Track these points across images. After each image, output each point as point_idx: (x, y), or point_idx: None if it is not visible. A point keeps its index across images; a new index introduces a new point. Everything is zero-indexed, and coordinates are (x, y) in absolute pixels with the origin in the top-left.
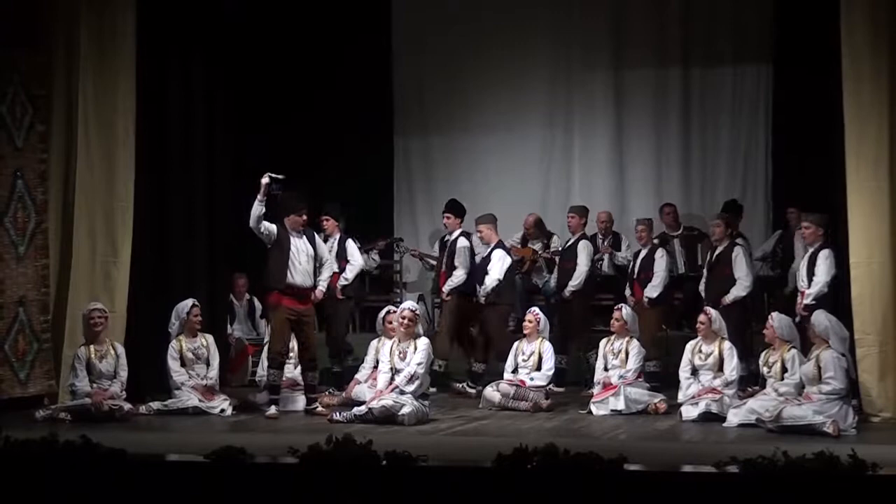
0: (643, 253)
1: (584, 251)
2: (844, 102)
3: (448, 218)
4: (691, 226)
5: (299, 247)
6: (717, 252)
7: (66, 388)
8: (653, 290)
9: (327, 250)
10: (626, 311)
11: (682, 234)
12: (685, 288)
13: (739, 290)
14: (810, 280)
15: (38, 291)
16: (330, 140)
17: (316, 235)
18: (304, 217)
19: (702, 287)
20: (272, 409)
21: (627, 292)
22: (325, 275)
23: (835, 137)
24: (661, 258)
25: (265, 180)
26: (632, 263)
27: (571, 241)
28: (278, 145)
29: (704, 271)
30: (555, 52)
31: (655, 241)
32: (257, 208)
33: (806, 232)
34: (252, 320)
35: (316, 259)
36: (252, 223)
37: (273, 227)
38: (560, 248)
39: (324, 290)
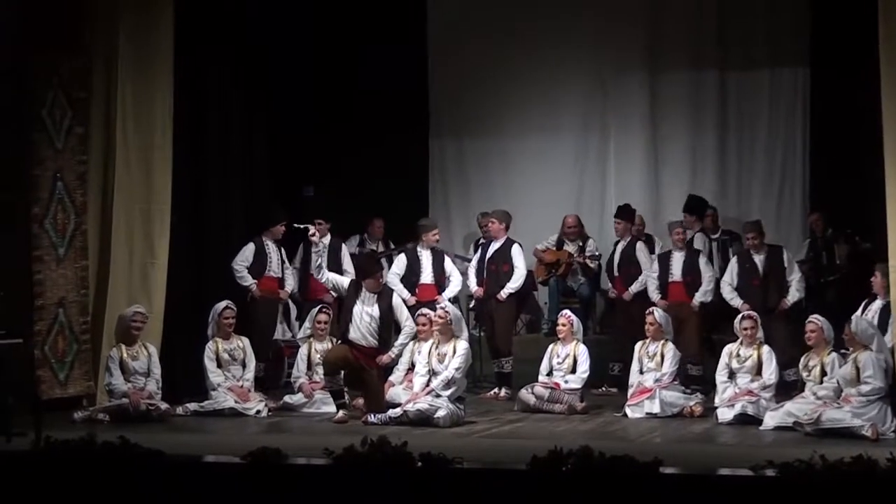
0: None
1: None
2: (882, 105)
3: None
4: (729, 230)
5: (364, 307)
6: (761, 259)
7: (104, 388)
8: (706, 295)
9: (405, 318)
10: (658, 314)
11: (720, 237)
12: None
13: (801, 292)
14: None
15: (77, 293)
16: (365, 143)
17: (395, 299)
18: (381, 279)
19: (728, 293)
20: (340, 413)
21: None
22: (400, 341)
23: (873, 141)
24: (705, 263)
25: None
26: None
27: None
28: (314, 148)
29: (730, 278)
30: (590, 54)
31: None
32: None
33: (875, 283)
34: (288, 322)
35: (382, 322)
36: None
37: (342, 282)
38: (596, 252)
39: (394, 355)
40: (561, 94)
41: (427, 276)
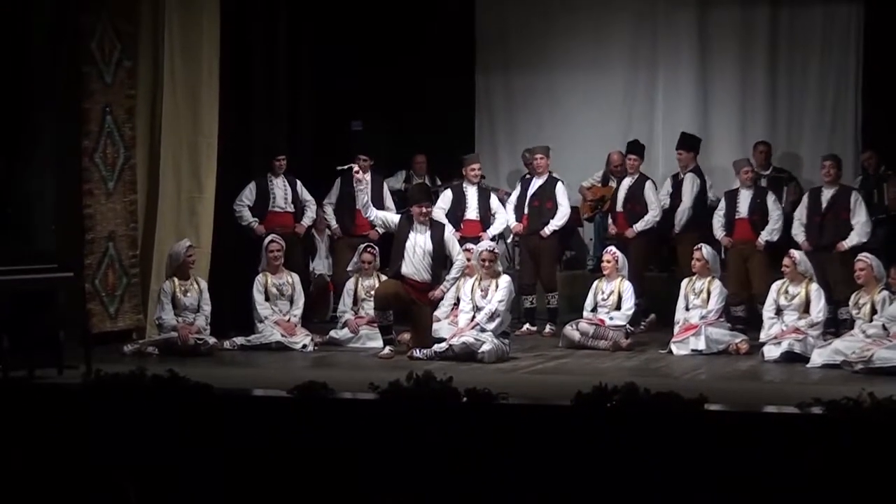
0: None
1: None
2: None
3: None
4: (780, 167)
5: (417, 241)
6: (828, 195)
7: (153, 322)
8: (772, 234)
9: (457, 252)
10: (706, 250)
11: (771, 174)
12: None
13: (861, 237)
14: None
15: (126, 227)
16: (412, 79)
17: (447, 233)
18: (426, 209)
19: (797, 231)
20: (387, 350)
21: (610, 222)
22: (452, 275)
23: None
24: (773, 200)
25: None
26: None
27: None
28: (361, 83)
29: (801, 215)
30: None
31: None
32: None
33: None
34: (333, 256)
35: (435, 256)
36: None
37: (391, 218)
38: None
39: (446, 289)
40: (610, 30)
41: (472, 212)
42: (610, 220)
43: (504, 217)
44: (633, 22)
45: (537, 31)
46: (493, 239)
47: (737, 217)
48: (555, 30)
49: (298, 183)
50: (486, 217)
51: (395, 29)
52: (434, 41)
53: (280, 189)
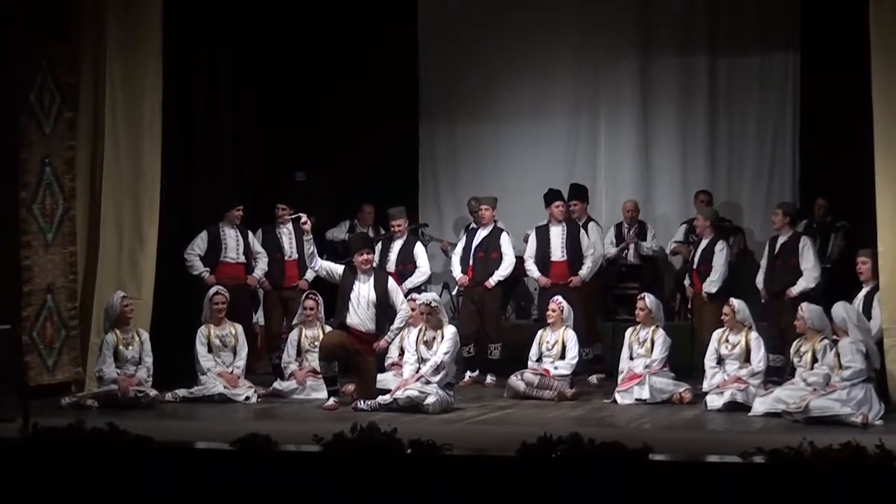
0: (703, 244)
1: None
2: (873, 90)
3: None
4: (723, 216)
5: (361, 291)
6: (780, 242)
7: (93, 374)
8: (712, 285)
9: (400, 302)
10: (649, 299)
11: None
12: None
13: (808, 282)
14: None
15: (65, 278)
16: (355, 128)
17: (391, 283)
18: (368, 256)
19: (759, 279)
20: (331, 401)
21: (687, 282)
22: (396, 325)
23: (863, 125)
24: (720, 251)
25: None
26: (693, 254)
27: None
28: (303, 133)
29: (763, 262)
30: (580, 39)
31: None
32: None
33: (862, 268)
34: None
35: (379, 306)
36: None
37: (335, 269)
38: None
39: (390, 340)
40: (552, 79)
41: (391, 265)
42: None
43: (426, 269)
44: (574, 71)
45: (480, 81)
46: (416, 290)
47: (694, 267)
48: (497, 79)
49: (250, 234)
50: (405, 270)
51: (338, 79)
52: (377, 91)
53: (232, 240)
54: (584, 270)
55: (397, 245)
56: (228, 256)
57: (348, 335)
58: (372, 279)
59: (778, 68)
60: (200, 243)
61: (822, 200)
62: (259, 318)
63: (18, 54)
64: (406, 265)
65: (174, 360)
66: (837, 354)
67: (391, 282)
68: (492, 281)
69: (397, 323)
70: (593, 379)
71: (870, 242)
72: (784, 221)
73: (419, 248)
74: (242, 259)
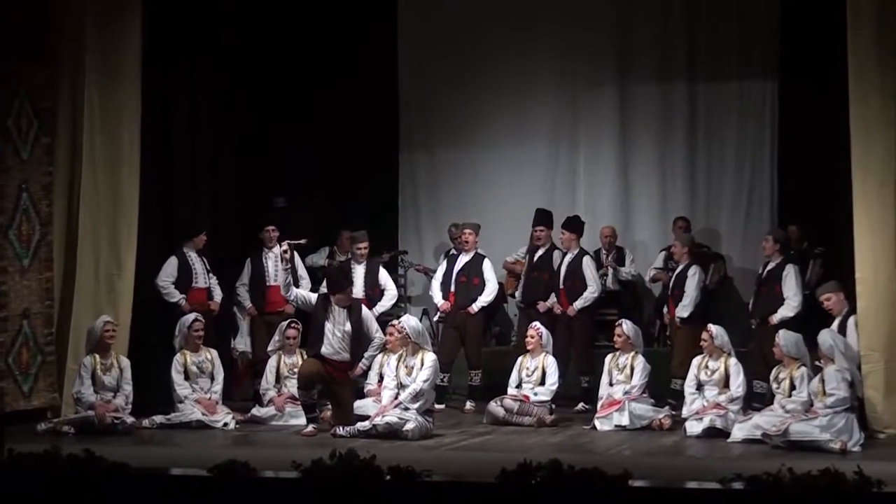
0: (679, 269)
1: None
2: (851, 117)
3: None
4: (700, 242)
5: (337, 321)
6: (767, 268)
7: (71, 396)
8: (684, 310)
9: (374, 329)
10: (627, 326)
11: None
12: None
13: (788, 311)
14: None
15: (42, 304)
16: (335, 155)
17: (365, 311)
18: (349, 293)
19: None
20: (309, 428)
21: (665, 309)
22: (370, 353)
23: (841, 152)
24: (693, 276)
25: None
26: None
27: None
28: (283, 160)
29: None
30: (559, 67)
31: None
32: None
33: (829, 304)
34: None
35: (354, 336)
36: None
37: (310, 298)
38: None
39: (365, 367)
40: (531, 106)
41: (358, 290)
42: (554, 298)
43: (393, 292)
44: (554, 96)
45: (460, 107)
46: (387, 314)
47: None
48: (477, 105)
49: (205, 259)
50: (373, 294)
51: (318, 105)
52: (357, 117)
53: (199, 265)
54: (579, 301)
55: (360, 270)
56: (198, 282)
57: (324, 364)
58: (346, 309)
59: (756, 95)
60: (171, 270)
61: (793, 227)
62: (238, 343)
63: None
64: (374, 289)
65: (151, 386)
66: (822, 381)
67: (364, 310)
68: (475, 306)
69: (371, 350)
70: (580, 406)
71: (848, 268)
72: (774, 248)
73: (383, 272)
74: (206, 284)
